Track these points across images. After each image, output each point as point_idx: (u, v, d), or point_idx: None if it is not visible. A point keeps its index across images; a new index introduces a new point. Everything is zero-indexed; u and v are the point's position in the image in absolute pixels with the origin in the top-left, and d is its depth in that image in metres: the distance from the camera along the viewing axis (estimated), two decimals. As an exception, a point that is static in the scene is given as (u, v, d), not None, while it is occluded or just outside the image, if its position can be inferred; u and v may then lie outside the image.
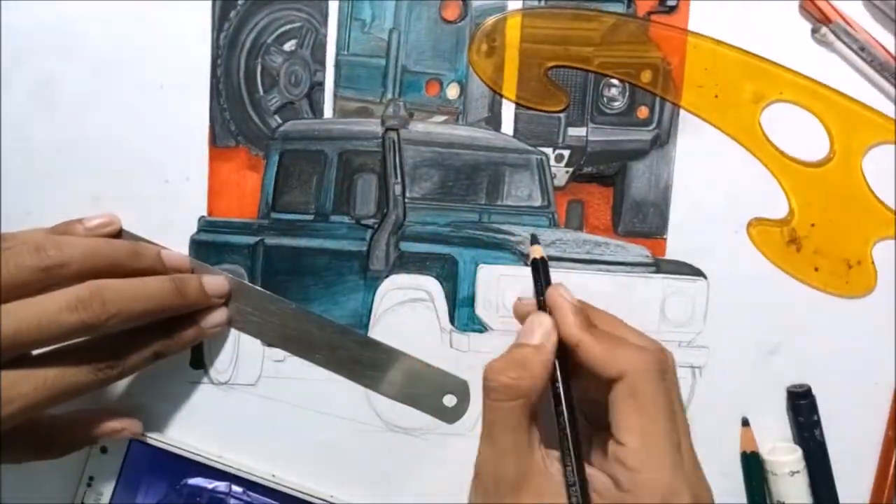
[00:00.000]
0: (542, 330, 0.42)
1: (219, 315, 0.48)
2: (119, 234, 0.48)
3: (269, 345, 0.49)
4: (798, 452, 0.48)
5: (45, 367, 0.41)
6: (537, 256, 0.45)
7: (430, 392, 0.49)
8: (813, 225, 0.48)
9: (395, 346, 0.49)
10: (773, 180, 0.48)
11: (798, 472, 0.47)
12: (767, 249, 0.48)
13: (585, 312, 0.43)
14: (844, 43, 0.46)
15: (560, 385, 0.42)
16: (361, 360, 0.49)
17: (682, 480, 0.39)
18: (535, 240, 0.47)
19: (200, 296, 0.46)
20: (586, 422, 0.44)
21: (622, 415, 0.39)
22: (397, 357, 0.49)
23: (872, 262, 0.49)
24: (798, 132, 0.48)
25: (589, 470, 0.40)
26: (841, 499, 0.49)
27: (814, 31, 0.47)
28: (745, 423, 0.49)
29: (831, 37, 0.46)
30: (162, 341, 0.45)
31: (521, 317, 0.45)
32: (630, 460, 0.39)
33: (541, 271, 0.45)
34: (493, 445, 0.41)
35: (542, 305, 0.44)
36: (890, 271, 0.49)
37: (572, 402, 0.42)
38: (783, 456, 0.48)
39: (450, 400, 0.49)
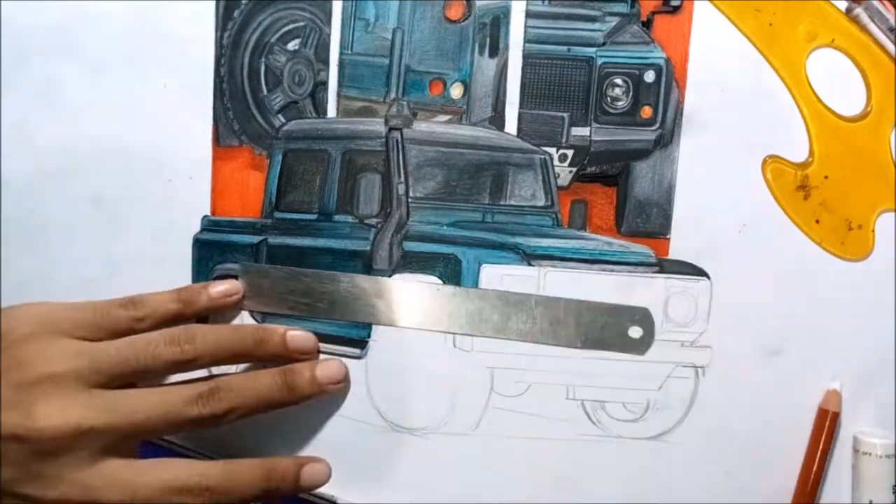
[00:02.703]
0: None
1: (335, 371, 0.48)
2: (242, 299, 0.49)
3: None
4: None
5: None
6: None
7: (614, 329, 0.48)
8: (826, 177, 0.48)
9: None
10: (802, 123, 0.48)
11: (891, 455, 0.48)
12: (777, 188, 0.48)
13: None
14: (877, 24, 0.46)
15: None
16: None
17: None
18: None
19: (313, 388, 0.47)
20: None
21: None
22: (570, 305, 0.48)
23: (873, 230, 0.48)
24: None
25: None
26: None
27: (848, 10, 0.47)
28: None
29: (865, 17, 0.46)
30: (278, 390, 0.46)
31: None
32: None
33: None
34: None
35: None
36: (888, 243, 0.48)
37: None
38: (876, 438, 0.48)
39: (635, 332, 0.48)
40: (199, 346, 0.44)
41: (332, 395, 0.48)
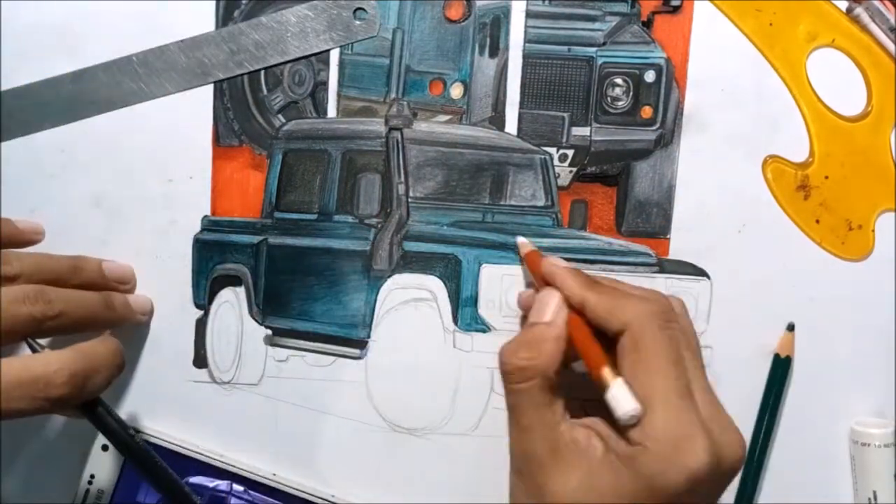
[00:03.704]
0: (551, 304, 0.42)
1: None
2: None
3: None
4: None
5: None
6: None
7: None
8: (827, 177, 0.48)
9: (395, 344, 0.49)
10: (802, 123, 0.48)
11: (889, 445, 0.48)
12: (777, 188, 0.48)
13: (585, 275, 0.43)
14: (877, 24, 0.46)
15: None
16: None
17: (693, 424, 0.38)
18: (791, 327, 0.48)
19: (127, 311, 0.49)
20: None
21: (626, 368, 0.39)
22: None
23: (873, 230, 0.48)
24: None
25: (604, 429, 0.40)
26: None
27: (848, 10, 0.47)
28: (791, 328, 0.49)
29: (865, 17, 0.46)
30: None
31: (527, 307, 0.45)
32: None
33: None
34: (518, 426, 0.41)
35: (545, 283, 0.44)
36: (888, 243, 0.48)
37: None
38: (875, 429, 0.48)
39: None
40: (14, 266, 0.44)
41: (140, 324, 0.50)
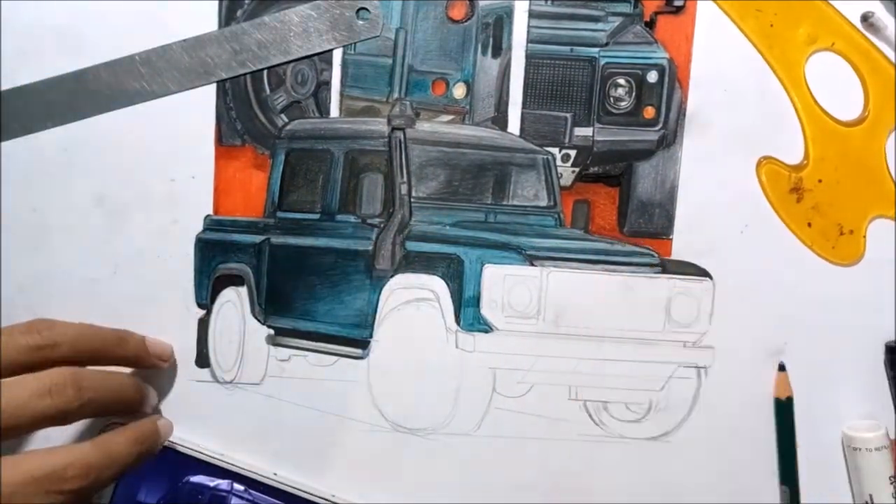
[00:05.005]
0: None
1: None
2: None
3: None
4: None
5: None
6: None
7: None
8: (820, 181, 0.48)
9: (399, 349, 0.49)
10: (798, 126, 0.48)
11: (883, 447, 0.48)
12: (771, 190, 0.48)
13: None
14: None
15: None
16: None
17: None
18: (782, 367, 0.48)
19: (153, 399, 0.49)
20: None
21: None
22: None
23: (864, 236, 0.49)
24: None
25: None
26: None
27: (864, 18, 0.47)
28: (782, 367, 0.49)
29: (881, 23, 0.46)
30: None
31: None
32: None
33: None
34: None
35: None
36: (879, 248, 0.48)
37: None
38: (867, 433, 0.48)
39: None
40: (57, 332, 0.43)
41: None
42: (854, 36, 0.48)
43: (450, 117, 0.49)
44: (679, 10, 0.48)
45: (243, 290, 0.50)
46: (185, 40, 0.48)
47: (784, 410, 0.49)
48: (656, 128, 0.49)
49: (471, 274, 0.49)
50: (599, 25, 0.48)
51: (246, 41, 0.48)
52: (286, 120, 0.49)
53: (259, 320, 0.50)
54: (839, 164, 0.48)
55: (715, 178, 0.49)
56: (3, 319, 0.47)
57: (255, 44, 0.48)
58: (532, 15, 0.48)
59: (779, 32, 0.48)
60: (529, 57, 0.48)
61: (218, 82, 0.49)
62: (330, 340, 0.50)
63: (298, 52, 0.47)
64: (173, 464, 0.49)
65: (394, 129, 0.49)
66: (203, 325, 0.50)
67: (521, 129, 0.49)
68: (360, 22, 0.47)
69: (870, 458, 0.48)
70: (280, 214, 0.50)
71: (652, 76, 0.48)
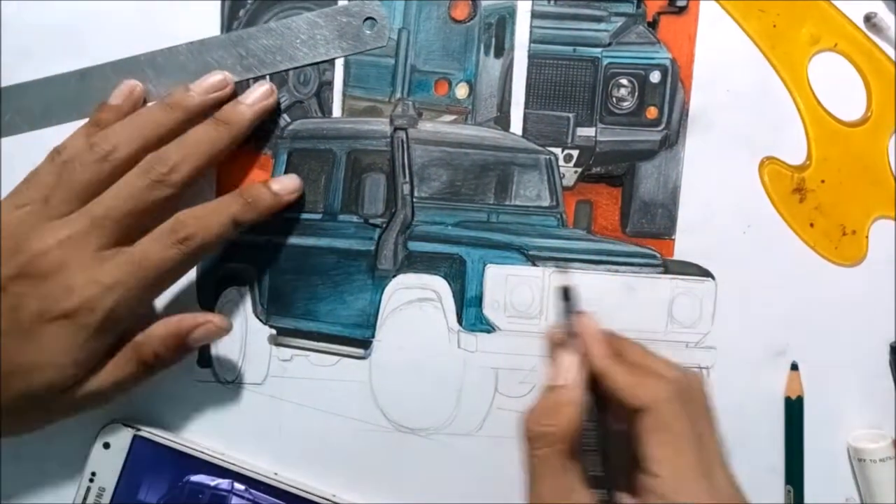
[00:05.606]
0: (569, 370, 0.42)
1: (289, 181, 0.48)
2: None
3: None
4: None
5: (129, 250, 0.43)
6: (566, 285, 0.45)
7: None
8: (823, 181, 0.48)
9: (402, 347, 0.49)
10: (801, 126, 0.48)
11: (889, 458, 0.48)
12: (773, 190, 0.48)
13: (613, 342, 0.43)
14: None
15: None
16: None
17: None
18: (563, 269, 0.47)
19: (272, 199, 0.47)
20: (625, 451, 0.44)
21: (649, 446, 0.40)
22: None
23: (867, 236, 0.49)
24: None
25: (627, 500, 0.41)
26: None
27: (867, 18, 0.47)
28: (794, 367, 0.49)
29: (884, 23, 0.46)
30: (239, 207, 0.46)
31: (552, 346, 0.45)
32: (660, 490, 0.39)
33: (570, 299, 0.45)
34: (536, 492, 0.41)
35: (570, 334, 0.44)
36: (882, 249, 0.48)
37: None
38: (872, 443, 0.48)
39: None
40: (111, 139, 0.44)
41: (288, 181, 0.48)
42: (857, 36, 0.48)
43: (452, 117, 0.49)
44: (682, 10, 0.48)
45: (245, 289, 0.50)
46: (190, 43, 0.48)
47: (794, 410, 0.48)
48: (659, 128, 0.49)
49: (473, 274, 0.49)
50: (602, 26, 0.48)
51: (252, 46, 0.48)
52: (288, 120, 0.49)
53: (261, 320, 0.50)
54: (842, 165, 0.48)
55: (717, 178, 0.49)
56: (5, 319, 0.47)
57: (262, 49, 0.48)
58: (535, 15, 0.48)
59: (782, 33, 0.48)
60: (532, 57, 0.48)
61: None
62: (332, 340, 0.50)
63: (304, 60, 0.47)
64: (174, 463, 0.49)
65: (396, 129, 0.49)
66: (205, 324, 0.50)
67: (524, 130, 0.49)
68: (367, 32, 0.47)
69: (876, 469, 0.48)
70: (282, 214, 0.50)
71: (655, 76, 0.48)
